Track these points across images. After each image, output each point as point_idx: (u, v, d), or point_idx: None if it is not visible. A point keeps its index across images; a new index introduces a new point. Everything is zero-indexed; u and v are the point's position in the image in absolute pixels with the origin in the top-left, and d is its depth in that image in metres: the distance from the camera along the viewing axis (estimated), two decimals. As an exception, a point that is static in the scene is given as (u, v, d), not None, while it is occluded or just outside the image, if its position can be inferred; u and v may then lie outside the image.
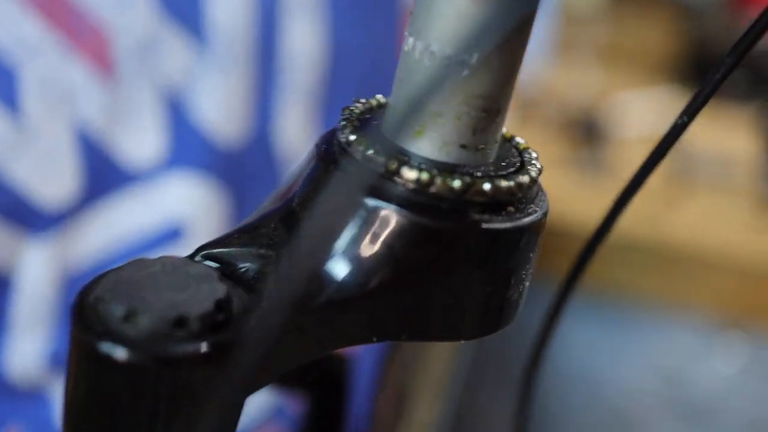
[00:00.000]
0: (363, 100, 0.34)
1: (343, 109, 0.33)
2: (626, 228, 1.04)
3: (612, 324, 1.12)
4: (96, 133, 0.56)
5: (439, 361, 1.08)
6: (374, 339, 0.31)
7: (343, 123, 0.32)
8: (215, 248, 0.32)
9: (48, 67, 0.53)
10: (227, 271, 0.31)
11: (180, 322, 0.28)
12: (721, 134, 1.23)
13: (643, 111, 1.22)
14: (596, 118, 1.22)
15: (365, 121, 0.32)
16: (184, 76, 0.61)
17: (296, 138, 0.69)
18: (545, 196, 0.32)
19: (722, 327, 1.07)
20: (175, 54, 0.60)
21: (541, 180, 0.32)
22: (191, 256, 0.32)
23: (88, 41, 0.55)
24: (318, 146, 0.32)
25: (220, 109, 0.62)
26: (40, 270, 0.54)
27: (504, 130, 0.32)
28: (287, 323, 0.25)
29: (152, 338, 0.28)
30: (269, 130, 0.67)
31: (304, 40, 0.68)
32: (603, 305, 1.10)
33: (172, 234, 0.61)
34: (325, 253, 0.29)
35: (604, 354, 1.13)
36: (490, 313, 0.31)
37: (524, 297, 0.32)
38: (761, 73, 1.30)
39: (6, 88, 0.52)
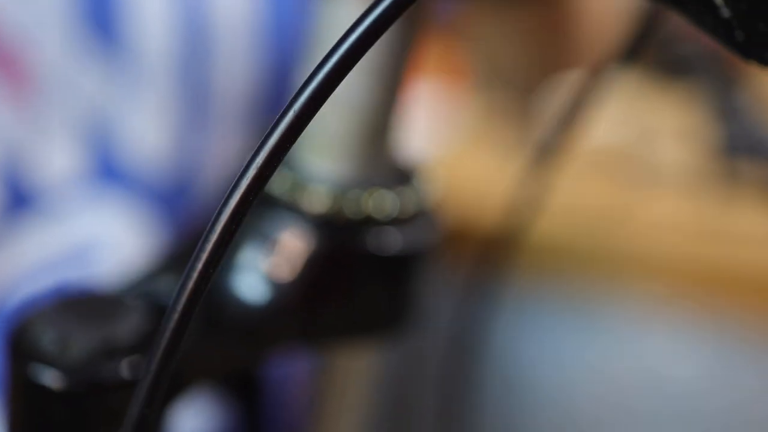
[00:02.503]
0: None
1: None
2: (580, 231, 1.06)
3: (570, 329, 1.14)
4: (10, 150, 0.56)
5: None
6: (286, 351, 0.34)
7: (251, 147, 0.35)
8: (140, 282, 0.35)
9: None
10: (153, 303, 0.34)
11: (109, 351, 0.31)
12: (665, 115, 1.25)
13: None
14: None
15: None
16: (106, 95, 0.60)
17: (226, 167, 0.68)
18: (438, 216, 0.35)
19: (684, 329, 1.09)
20: (97, 71, 0.60)
21: (436, 203, 0.35)
22: (117, 292, 0.35)
23: (1, 55, 0.55)
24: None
25: (143, 131, 0.62)
26: None
27: (412, 155, 0.36)
28: (183, 340, 0.28)
29: (85, 365, 0.30)
30: (197, 155, 0.67)
31: (237, 66, 0.68)
32: (562, 311, 1.12)
33: (91, 256, 0.61)
34: (231, 275, 0.32)
35: (563, 360, 1.15)
36: (390, 316, 0.35)
37: (421, 296, 0.36)
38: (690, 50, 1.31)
39: None
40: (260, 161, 0.21)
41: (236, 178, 0.22)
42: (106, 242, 0.62)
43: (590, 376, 1.14)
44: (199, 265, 0.22)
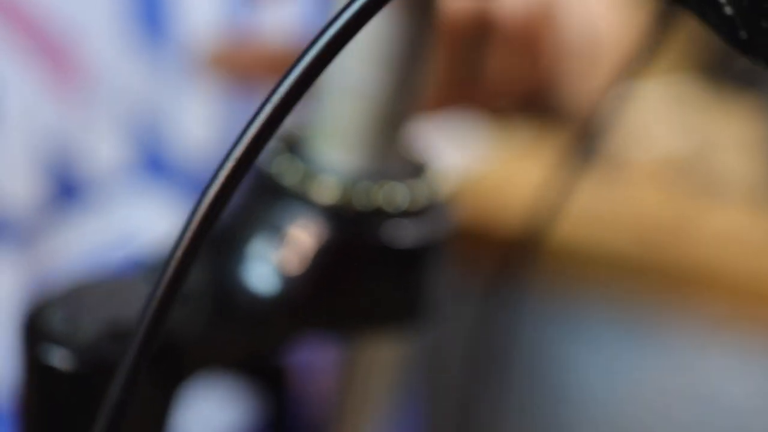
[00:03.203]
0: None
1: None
2: (639, 242, 1.05)
3: (625, 342, 1.13)
4: (59, 142, 0.57)
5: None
6: (297, 342, 0.34)
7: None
8: (158, 266, 0.35)
9: (7, 73, 0.54)
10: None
11: (119, 334, 0.31)
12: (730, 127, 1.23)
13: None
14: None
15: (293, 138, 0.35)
16: (154, 87, 0.61)
17: None
18: (452, 210, 0.35)
19: (741, 345, 1.08)
20: (144, 64, 0.61)
21: (448, 194, 0.35)
22: (134, 277, 0.35)
23: (51, 47, 0.56)
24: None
25: (190, 124, 0.63)
26: (5, 278, 0.55)
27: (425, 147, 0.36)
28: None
29: (94, 345, 0.31)
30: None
31: None
32: (617, 324, 1.11)
33: (135, 246, 0.61)
34: (242, 265, 0.32)
35: (619, 376, 1.14)
36: (402, 309, 0.35)
37: (437, 291, 0.35)
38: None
39: None
40: (250, 134, 0.22)
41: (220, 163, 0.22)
42: (153, 234, 0.63)
43: (641, 391, 1.13)
44: (179, 253, 0.22)
